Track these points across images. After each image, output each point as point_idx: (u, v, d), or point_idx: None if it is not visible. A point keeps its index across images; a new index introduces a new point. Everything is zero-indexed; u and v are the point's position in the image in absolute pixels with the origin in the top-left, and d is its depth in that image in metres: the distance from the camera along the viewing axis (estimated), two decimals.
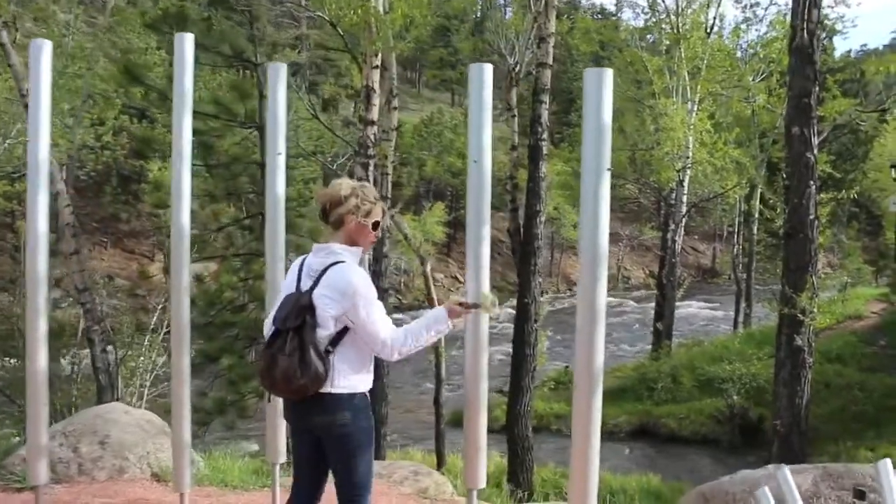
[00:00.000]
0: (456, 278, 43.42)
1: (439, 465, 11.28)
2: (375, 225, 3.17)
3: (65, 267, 10.08)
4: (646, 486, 13.16)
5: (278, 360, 2.90)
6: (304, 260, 3.16)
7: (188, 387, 4.34)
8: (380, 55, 8.98)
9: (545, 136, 11.32)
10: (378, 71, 9.09)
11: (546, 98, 11.30)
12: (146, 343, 13.72)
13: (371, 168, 9.43)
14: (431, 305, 11.70)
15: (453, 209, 43.02)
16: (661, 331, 22.50)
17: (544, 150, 11.36)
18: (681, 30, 21.76)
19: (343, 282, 2.94)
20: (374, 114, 9.22)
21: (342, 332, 2.96)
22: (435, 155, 43.12)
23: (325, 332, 2.93)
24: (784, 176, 10.77)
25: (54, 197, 9.45)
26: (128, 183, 34.54)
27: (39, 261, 3.92)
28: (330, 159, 22.79)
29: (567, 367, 22.78)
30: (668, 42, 22.77)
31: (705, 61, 21.32)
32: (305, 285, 3.03)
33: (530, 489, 11.67)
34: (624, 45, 24.66)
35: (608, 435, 17.79)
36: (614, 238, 48.55)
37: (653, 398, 19.15)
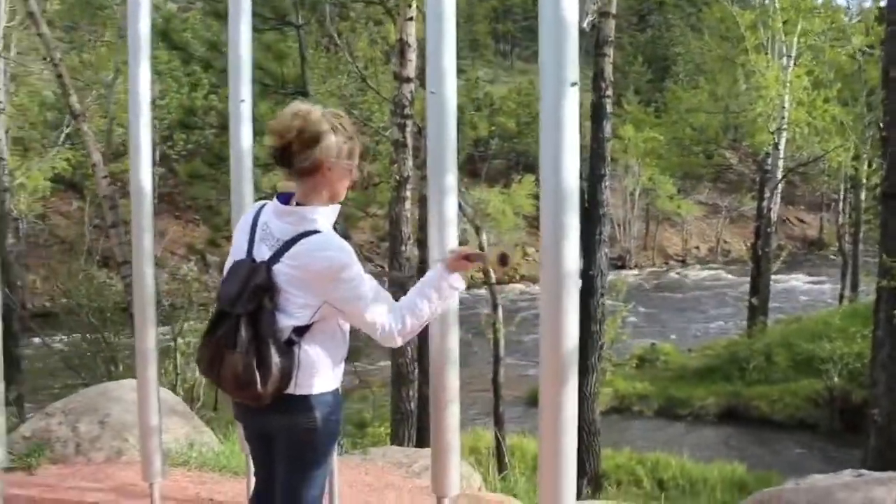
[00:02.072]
0: None
1: (498, 448, 10.61)
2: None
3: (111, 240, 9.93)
4: (729, 475, 12.11)
5: (226, 357, 2.18)
6: (258, 212, 2.34)
7: (155, 367, 3.92)
8: (414, 5, 8.23)
9: (609, 92, 10.40)
10: (413, 23, 8.34)
11: (610, 51, 10.39)
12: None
13: (408, 129, 8.71)
14: (487, 280, 11.05)
15: None
16: (756, 306, 21.02)
17: (608, 109, 10.45)
18: None
19: (321, 262, 2.19)
20: (411, 70, 8.47)
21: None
22: (524, 125, 42.26)
23: (289, 320, 2.21)
24: (881, 127, 9.37)
25: (91, 168, 9.25)
26: (219, 161, 35.21)
27: None
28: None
29: (653, 344, 21.80)
30: None
31: (800, 8, 19.53)
32: (261, 254, 2.24)
33: (596, 475, 10.92)
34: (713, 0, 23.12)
35: (693, 418, 16.82)
36: (713, 209, 46.42)
37: (744, 378, 17.81)
